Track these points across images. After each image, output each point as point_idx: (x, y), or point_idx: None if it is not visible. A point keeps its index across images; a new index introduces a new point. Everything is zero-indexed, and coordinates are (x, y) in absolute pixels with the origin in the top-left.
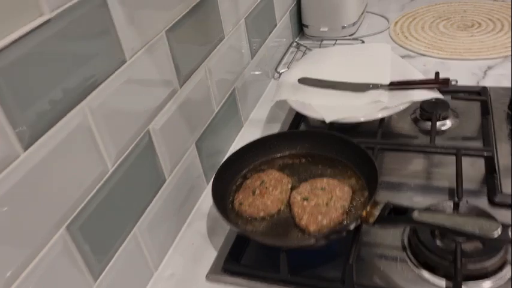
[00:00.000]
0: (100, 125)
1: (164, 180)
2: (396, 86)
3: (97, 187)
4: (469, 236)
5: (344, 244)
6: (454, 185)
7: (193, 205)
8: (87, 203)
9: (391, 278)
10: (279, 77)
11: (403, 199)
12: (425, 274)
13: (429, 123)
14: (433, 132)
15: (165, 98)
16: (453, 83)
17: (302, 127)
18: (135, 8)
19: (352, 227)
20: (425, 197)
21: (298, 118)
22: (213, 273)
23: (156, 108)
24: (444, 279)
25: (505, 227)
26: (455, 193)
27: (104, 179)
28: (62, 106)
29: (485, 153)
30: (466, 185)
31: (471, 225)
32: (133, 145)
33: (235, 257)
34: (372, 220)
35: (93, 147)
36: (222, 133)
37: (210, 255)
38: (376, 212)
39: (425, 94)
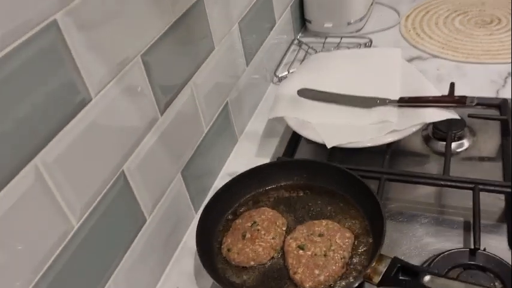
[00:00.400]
0: (59, 181)
1: (144, 221)
2: (406, 103)
3: (60, 248)
4: None
5: None
6: (470, 220)
7: (179, 240)
8: (49, 267)
9: None
10: (279, 81)
11: (412, 240)
12: None
13: (442, 144)
14: (448, 161)
15: (143, 131)
16: (471, 102)
17: (301, 145)
18: (99, 33)
19: (354, 285)
20: (438, 237)
21: (298, 134)
22: None
23: (132, 146)
24: None
25: None
26: (472, 238)
27: (68, 238)
28: (11, 166)
29: (506, 189)
30: (484, 220)
31: None
32: (103, 192)
33: None
34: (376, 280)
35: (52, 206)
36: (213, 153)
37: None
38: (381, 269)
39: (439, 114)
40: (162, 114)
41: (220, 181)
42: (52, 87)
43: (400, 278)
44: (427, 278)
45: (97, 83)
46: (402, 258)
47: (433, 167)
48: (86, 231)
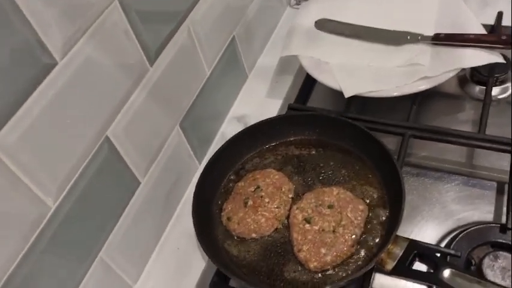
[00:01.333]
0: (26, 162)
1: (138, 185)
2: (442, 41)
3: (37, 231)
4: None
5: None
6: (505, 186)
7: (181, 195)
8: (28, 251)
9: None
10: (297, 4)
11: (436, 207)
12: None
13: (481, 89)
14: (485, 113)
15: (128, 89)
16: None
17: (316, 89)
18: None
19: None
20: (465, 205)
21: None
22: None
23: (116, 107)
24: None
25: None
26: (505, 213)
27: (45, 221)
28: None
29: None
30: None
31: None
32: (84, 165)
33: (225, 278)
34: (389, 266)
35: (22, 189)
36: (217, 96)
37: (197, 264)
38: (396, 253)
39: (481, 58)
40: (152, 64)
41: (227, 125)
42: (6, 52)
43: (415, 269)
44: (446, 272)
45: (62, 42)
46: (422, 227)
47: (468, 115)
48: (65, 209)
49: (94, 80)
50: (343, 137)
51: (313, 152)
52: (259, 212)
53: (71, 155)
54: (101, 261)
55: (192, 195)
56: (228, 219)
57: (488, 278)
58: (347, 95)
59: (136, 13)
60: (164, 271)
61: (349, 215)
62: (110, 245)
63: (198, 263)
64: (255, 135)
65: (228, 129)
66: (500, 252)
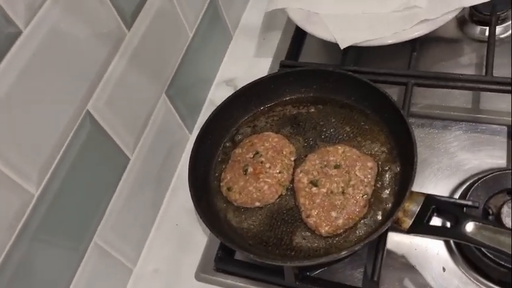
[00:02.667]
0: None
1: (127, 161)
2: None
3: (22, 220)
4: None
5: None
6: None
7: (174, 168)
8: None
9: (429, 285)
10: None
11: (445, 158)
12: (476, 281)
13: (482, 29)
14: (491, 55)
15: (106, 57)
16: None
17: (307, 43)
18: None
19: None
20: (476, 152)
21: (303, 30)
22: (203, 272)
23: (94, 79)
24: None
25: None
26: None
27: (29, 209)
28: None
29: None
30: None
31: None
32: (65, 145)
33: (230, 251)
34: (406, 225)
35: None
36: (203, 60)
37: (199, 240)
38: (413, 210)
39: None
40: (129, 28)
41: (215, 91)
42: None
43: (436, 225)
44: (469, 226)
45: (25, 7)
46: (433, 180)
47: (471, 59)
48: (50, 195)
49: (65, 49)
50: (343, 92)
51: (312, 110)
52: (261, 179)
53: (49, 136)
54: (96, 246)
55: (187, 168)
56: (228, 189)
57: (508, 227)
58: (343, 46)
59: None
60: (165, 250)
61: (357, 173)
62: (104, 228)
63: (200, 238)
64: (247, 98)
65: (217, 94)
66: None
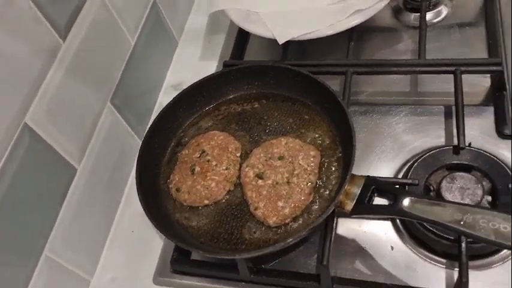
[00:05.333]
0: None
1: (74, 171)
2: None
3: None
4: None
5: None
6: (452, 107)
7: (126, 176)
8: None
9: (379, 264)
10: None
11: (388, 140)
12: (422, 255)
13: (416, 16)
14: (423, 40)
15: (41, 68)
16: None
17: (251, 42)
18: None
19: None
20: (416, 133)
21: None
22: (161, 275)
23: (30, 88)
24: (445, 259)
25: None
26: (456, 133)
27: None
28: None
29: (493, 68)
30: (467, 104)
31: (484, 228)
32: (3, 161)
33: (186, 252)
34: (348, 207)
35: None
36: (149, 66)
37: (155, 244)
38: (354, 192)
39: None
40: (64, 38)
41: (164, 96)
42: None
43: (375, 204)
44: (406, 201)
45: None
46: (378, 164)
47: (407, 45)
48: None
49: None
50: (284, 86)
51: (256, 106)
52: (208, 177)
53: None
54: (47, 259)
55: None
56: (177, 190)
57: (451, 201)
58: (281, 41)
59: None
60: (121, 257)
61: (301, 162)
62: (54, 241)
63: (155, 242)
64: (191, 99)
65: (166, 99)
66: (456, 173)
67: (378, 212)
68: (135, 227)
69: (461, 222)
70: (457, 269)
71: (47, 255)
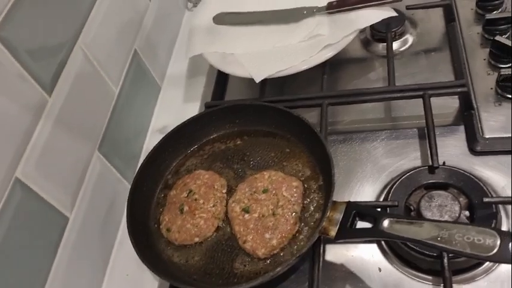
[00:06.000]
0: None
1: (66, 221)
2: (336, 8)
3: None
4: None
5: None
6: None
7: (119, 221)
8: None
9: (369, 286)
10: (194, 6)
11: (368, 166)
12: (409, 274)
13: (384, 46)
14: (391, 67)
15: (29, 122)
16: None
17: (231, 82)
18: None
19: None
20: (394, 157)
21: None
22: None
23: (20, 144)
24: (431, 276)
25: (503, 236)
26: (429, 154)
27: None
28: None
29: (458, 89)
30: (439, 125)
31: (460, 242)
32: None
33: None
34: (332, 233)
35: None
36: (133, 113)
37: (150, 286)
38: (337, 218)
39: (375, 15)
40: (50, 94)
41: (150, 140)
42: None
43: (357, 228)
44: (385, 222)
45: None
46: (359, 189)
47: (379, 74)
48: None
49: None
50: (264, 121)
51: (239, 142)
52: (197, 215)
53: None
54: None
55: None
56: (168, 230)
57: (428, 218)
58: (258, 79)
59: (20, 46)
60: None
61: (284, 194)
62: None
63: (150, 284)
64: (175, 141)
65: (152, 143)
66: (434, 192)
67: (361, 235)
68: (130, 270)
69: (438, 238)
70: (443, 285)
71: None
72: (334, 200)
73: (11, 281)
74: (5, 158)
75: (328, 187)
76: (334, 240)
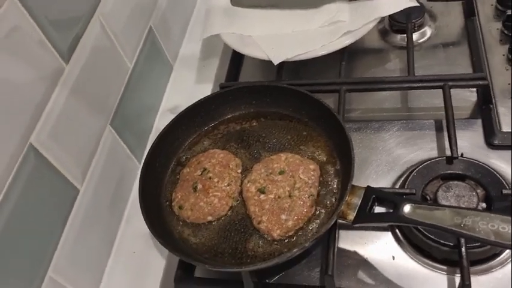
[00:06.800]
0: None
1: (76, 192)
2: None
3: None
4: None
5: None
6: (442, 120)
7: (127, 197)
8: None
9: (382, 274)
10: None
11: (383, 155)
12: (423, 263)
13: (402, 37)
14: (411, 58)
15: (46, 89)
16: None
17: (245, 64)
18: None
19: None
20: (410, 147)
21: (239, 53)
22: None
23: (35, 110)
24: (446, 266)
25: None
26: (448, 145)
27: None
28: None
29: (479, 82)
30: (456, 118)
31: (483, 230)
32: (9, 181)
33: (189, 269)
34: (350, 217)
35: None
36: (146, 90)
37: (157, 264)
38: (355, 202)
39: (396, 4)
40: (67, 62)
41: (160, 120)
42: None
43: (377, 212)
44: (407, 208)
45: None
46: (374, 177)
47: (395, 64)
48: None
49: (2, 85)
50: (281, 104)
51: (255, 124)
52: (211, 194)
53: None
54: (51, 281)
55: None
56: (180, 207)
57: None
58: (276, 61)
59: (40, 10)
60: (123, 278)
61: (301, 176)
62: (58, 262)
63: (157, 262)
64: (190, 119)
65: (163, 122)
66: (451, 182)
67: (380, 220)
68: (137, 247)
69: (462, 225)
70: (458, 275)
71: (51, 276)
72: (352, 184)
73: (20, 249)
74: (22, 123)
75: (346, 171)
76: (351, 225)
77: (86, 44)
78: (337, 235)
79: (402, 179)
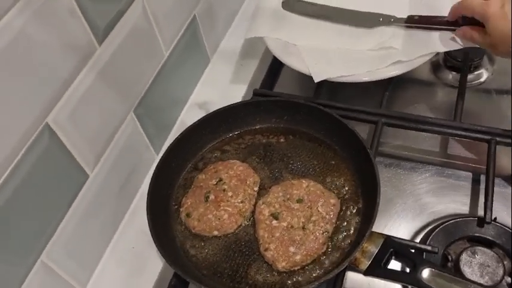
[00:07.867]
0: None
1: (86, 177)
2: (416, 23)
3: None
4: None
5: None
6: (480, 176)
7: (137, 188)
8: None
9: None
10: None
11: (410, 199)
12: None
13: (455, 75)
14: (461, 102)
15: (73, 68)
16: None
17: (283, 73)
18: None
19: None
20: (440, 197)
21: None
22: None
23: (58, 89)
24: None
25: None
26: (483, 205)
27: None
28: None
29: None
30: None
31: None
32: (18, 157)
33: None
34: (363, 266)
35: None
36: (177, 80)
37: (154, 265)
38: (371, 251)
39: (457, 42)
40: (100, 43)
41: (187, 113)
42: None
43: (393, 269)
44: (425, 272)
45: None
46: (396, 221)
47: (442, 103)
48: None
49: (30, 55)
50: (313, 125)
51: (282, 140)
52: (222, 207)
53: (1, 146)
54: (43, 265)
55: (147, 189)
56: (187, 215)
57: (466, 275)
58: (317, 79)
59: None
60: (117, 273)
61: (320, 209)
62: (54, 247)
63: (155, 263)
64: (216, 123)
65: (189, 116)
66: (478, 248)
67: (395, 278)
68: (137, 243)
69: None
70: None
71: (43, 260)
72: (372, 230)
73: (18, 227)
74: (41, 100)
75: (368, 214)
76: (362, 274)
77: (124, 26)
78: (344, 278)
79: (425, 231)
